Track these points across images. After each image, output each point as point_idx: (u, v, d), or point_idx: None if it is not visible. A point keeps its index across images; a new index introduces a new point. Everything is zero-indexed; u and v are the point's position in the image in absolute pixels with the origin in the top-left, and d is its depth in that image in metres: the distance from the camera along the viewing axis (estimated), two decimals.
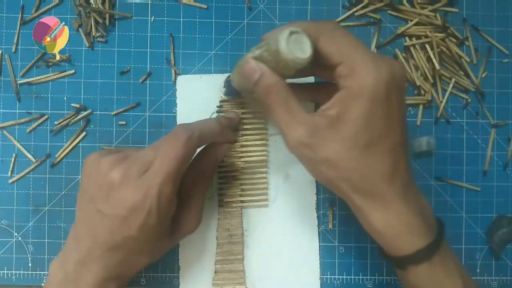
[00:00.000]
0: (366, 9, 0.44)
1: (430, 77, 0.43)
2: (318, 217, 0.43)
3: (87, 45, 0.44)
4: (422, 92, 0.44)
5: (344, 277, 0.43)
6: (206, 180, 0.39)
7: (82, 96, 0.43)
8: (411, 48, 0.44)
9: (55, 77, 0.43)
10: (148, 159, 0.34)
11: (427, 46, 0.43)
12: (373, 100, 0.31)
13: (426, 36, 0.44)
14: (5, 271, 0.43)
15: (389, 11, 0.44)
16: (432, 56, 0.43)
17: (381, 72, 0.31)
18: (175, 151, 0.33)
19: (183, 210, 0.37)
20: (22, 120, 0.43)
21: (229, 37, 0.44)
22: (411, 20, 0.44)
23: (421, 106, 0.44)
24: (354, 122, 0.31)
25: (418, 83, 0.43)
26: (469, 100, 0.44)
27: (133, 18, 0.44)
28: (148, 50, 0.44)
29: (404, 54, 0.44)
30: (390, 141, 0.32)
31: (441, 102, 0.44)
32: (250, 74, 0.34)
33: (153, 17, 0.44)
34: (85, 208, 0.35)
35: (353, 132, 0.31)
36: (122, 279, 0.36)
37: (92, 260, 0.34)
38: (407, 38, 0.44)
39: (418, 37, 0.44)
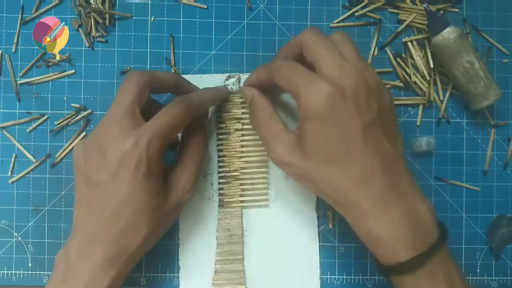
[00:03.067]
0: (366, 9, 0.44)
1: (426, 75, 0.43)
2: (318, 217, 0.43)
3: (87, 45, 0.44)
4: (420, 92, 0.44)
5: (344, 277, 0.43)
6: (197, 145, 0.39)
7: (82, 96, 0.44)
8: (410, 46, 0.44)
9: (55, 77, 0.43)
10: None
11: (425, 42, 0.43)
12: (319, 119, 0.33)
13: (426, 31, 0.44)
14: (5, 271, 0.43)
15: (389, 9, 0.44)
16: (429, 54, 0.43)
17: (319, 92, 0.32)
18: (169, 110, 0.35)
19: (176, 172, 0.38)
20: (22, 120, 0.43)
21: (229, 37, 0.44)
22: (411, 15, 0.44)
23: (421, 106, 0.44)
24: (310, 141, 0.34)
25: (413, 79, 0.43)
26: None
27: (133, 18, 0.44)
28: (148, 50, 0.44)
29: (403, 55, 0.44)
30: (352, 151, 0.33)
31: (441, 102, 0.44)
32: (245, 97, 0.40)
33: (153, 17, 0.44)
34: (81, 193, 0.36)
35: (312, 150, 0.34)
36: (120, 263, 0.35)
37: (90, 243, 0.34)
38: (407, 38, 0.44)
39: (419, 30, 0.44)
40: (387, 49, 0.44)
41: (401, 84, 0.44)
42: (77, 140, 0.43)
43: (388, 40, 0.44)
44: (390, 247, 0.33)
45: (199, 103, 0.38)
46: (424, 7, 0.43)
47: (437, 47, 0.42)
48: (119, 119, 0.34)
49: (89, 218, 0.35)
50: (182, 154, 0.39)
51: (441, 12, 0.44)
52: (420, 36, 0.44)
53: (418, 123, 0.44)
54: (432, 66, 0.43)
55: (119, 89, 0.36)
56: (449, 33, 0.41)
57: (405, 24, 0.44)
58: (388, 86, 0.44)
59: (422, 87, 0.44)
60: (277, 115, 0.38)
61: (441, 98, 0.44)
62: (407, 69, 0.44)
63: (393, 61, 0.44)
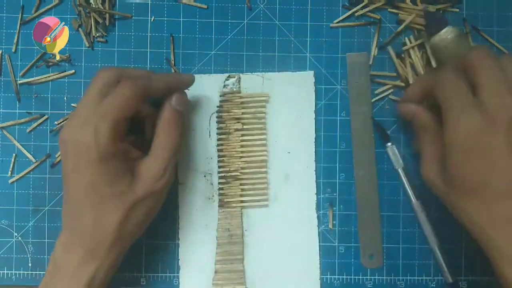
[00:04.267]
0: (366, 9, 0.44)
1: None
2: (318, 217, 0.43)
3: (87, 45, 0.44)
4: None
5: (344, 277, 0.43)
6: (170, 131, 0.37)
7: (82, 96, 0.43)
8: (408, 44, 0.44)
9: (55, 77, 0.43)
10: None
11: (425, 44, 0.43)
12: (463, 151, 0.32)
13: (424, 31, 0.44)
14: (5, 271, 0.43)
15: (389, 9, 0.44)
16: (429, 52, 0.43)
17: (468, 123, 0.31)
18: (117, 92, 0.35)
19: (147, 159, 0.37)
20: (22, 120, 0.43)
21: (229, 37, 0.44)
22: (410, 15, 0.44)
23: None
24: (452, 170, 0.33)
25: (411, 82, 0.43)
26: None
27: (133, 18, 0.44)
28: (148, 50, 0.44)
29: (402, 55, 0.44)
30: (499, 188, 0.31)
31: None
32: (406, 114, 0.39)
33: (153, 17, 0.44)
34: (63, 190, 0.36)
35: (455, 179, 0.33)
36: (101, 255, 0.35)
37: (71, 236, 0.35)
38: (406, 39, 0.44)
39: (418, 31, 0.44)
40: (390, 49, 0.44)
41: (402, 84, 0.44)
42: None
43: (388, 40, 0.44)
44: None
45: (148, 84, 0.36)
46: (422, 8, 0.43)
47: (435, 48, 0.42)
48: (90, 101, 0.35)
49: (66, 213, 0.36)
50: (154, 141, 0.37)
51: (441, 12, 0.44)
52: (418, 42, 0.43)
53: None
54: (434, 66, 0.43)
55: (94, 79, 0.36)
56: (447, 33, 0.41)
57: (404, 24, 0.44)
58: (389, 86, 0.44)
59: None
60: (440, 136, 0.35)
61: None
62: (406, 71, 0.44)
63: (395, 59, 0.44)
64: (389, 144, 0.43)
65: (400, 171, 0.43)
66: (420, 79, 0.39)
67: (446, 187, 0.34)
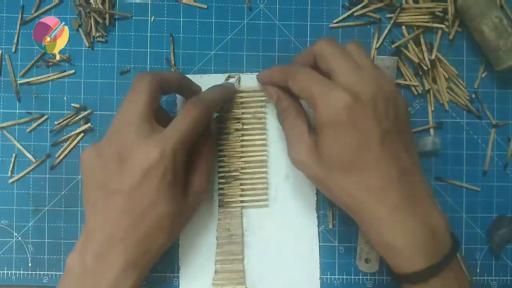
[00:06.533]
0: (366, 9, 0.44)
1: (424, 66, 0.43)
2: (318, 217, 0.43)
3: (87, 45, 0.44)
4: (415, 92, 0.44)
5: (344, 277, 0.43)
6: (205, 144, 0.39)
7: (82, 96, 0.44)
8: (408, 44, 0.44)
9: (55, 77, 0.43)
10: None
11: (420, 36, 0.43)
12: (336, 127, 0.33)
13: (424, 26, 0.44)
14: (5, 271, 0.43)
15: (387, 15, 0.44)
16: (424, 48, 0.43)
17: (337, 101, 0.32)
18: (188, 115, 0.35)
19: (190, 174, 0.38)
20: (22, 120, 0.43)
21: (229, 37, 0.44)
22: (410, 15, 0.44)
23: (429, 106, 0.44)
24: (326, 150, 0.34)
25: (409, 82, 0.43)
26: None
27: (133, 18, 0.44)
28: (148, 50, 0.44)
29: (402, 56, 0.44)
30: (369, 159, 0.33)
31: (439, 92, 0.44)
32: (269, 96, 0.40)
33: (153, 17, 0.44)
34: (95, 199, 0.35)
35: (329, 158, 0.34)
36: (141, 266, 0.35)
37: (111, 248, 0.34)
38: (403, 28, 0.44)
39: (418, 27, 0.44)
40: (400, 47, 0.44)
41: (406, 82, 0.44)
42: (76, 141, 0.43)
43: (381, 41, 0.44)
44: (405, 256, 0.32)
45: (213, 103, 0.38)
46: None
47: (465, 5, 0.42)
48: (136, 125, 0.34)
49: (107, 224, 0.35)
50: (193, 156, 0.38)
51: None
52: (406, 39, 0.43)
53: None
54: (432, 58, 0.43)
55: (130, 91, 0.36)
56: None
57: (404, 24, 0.44)
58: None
59: (414, 90, 0.44)
60: (304, 115, 0.38)
61: (441, 90, 0.44)
62: (405, 70, 0.44)
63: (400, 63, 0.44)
64: None
65: None
66: (270, 70, 0.40)
67: (319, 167, 0.34)
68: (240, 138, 0.43)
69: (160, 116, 0.36)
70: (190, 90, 0.40)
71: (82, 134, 0.43)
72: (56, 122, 0.43)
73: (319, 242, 0.43)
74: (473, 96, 0.44)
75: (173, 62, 0.44)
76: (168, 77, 0.37)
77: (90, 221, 0.35)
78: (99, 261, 0.34)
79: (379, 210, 0.33)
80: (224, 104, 0.42)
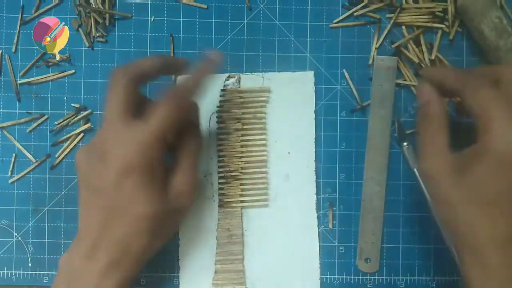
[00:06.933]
0: (366, 9, 0.44)
1: (424, 65, 0.43)
2: (318, 217, 0.43)
3: (87, 45, 0.44)
4: (416, 92, 0.44)
5: (344, 277, 0.43)
6: (192, 146, 0.38)
7: (82, 96, 0.44)
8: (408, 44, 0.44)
9: (55, 77, 0.43)
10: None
11: (420, 36, 0.43)
12: (500, 164, 0.30)
13: (424, 26, 0.44)
14: (5, 271, 0.43)
15: (387, 15, 0.44)
16: (424, 49, 0.43)
17: None
18: (163, 109, 0.35)
19: (174, 176, 0.37)
20: (22, 120, 0.43)
21: (229, 37, 0.44)
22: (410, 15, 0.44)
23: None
24: (478, 176, 0.31)
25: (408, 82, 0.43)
26: None
27: (133, 18, 0.44)
28: (148, 50, 0.44)
29: (402, 48, 0.44)
30: None
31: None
32: (420, 95, 0.37)
33: (153, 17, 0.44)
34: (84, 199, 0.36)
35: (475, 185, 0.31)
36: (123, 267, 0.35)
37: (95, 245, 0.34)
38: (403, 28, 0.44)
39: (418, 27, 0.44)
40: (400, 47, 0.44)
41: (406, 82, 0.44)
42: (76, 141, 0.43)
43: (381, 41, 0.44)
44: None
45: (189, 93, 0.37)
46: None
47: (465, 5, 0.42)
48: (114, 122, 0.35)
49: (92, 223, 0.35)
50: (178, 157, 0.38)
51: None
52: (406, 39, 0.43)
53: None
54: (432, 58, 0.43)
55: (107, 89, 0.36)
56: None
57: (404, 24, 0.44)
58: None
59: (414, 90, 0.44)
60: (448, 128, 0.35)
61: None
62: (405, 70, 0.44)
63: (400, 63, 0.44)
64: (405, 144, 0.43)
65: (416, 170, 0.42)
66: (444, 72, 0.37)
67: (453, 188, 0.32)
68: (240, 138, 0.43)
69: (143, 108, 0.36)
70: (177, 67, 0.39)
71: (82, 134, 0.43)
72: (56, 122, 0.43)
73: (319, 242, 0.43)
74: None
75: None
76: (145, 65, 0.36)
77: (80, 220, 0.36)
78: (85, 261, 0.34)
79: (493, 260, 0.31)
80: (202, 89, 0.38)
